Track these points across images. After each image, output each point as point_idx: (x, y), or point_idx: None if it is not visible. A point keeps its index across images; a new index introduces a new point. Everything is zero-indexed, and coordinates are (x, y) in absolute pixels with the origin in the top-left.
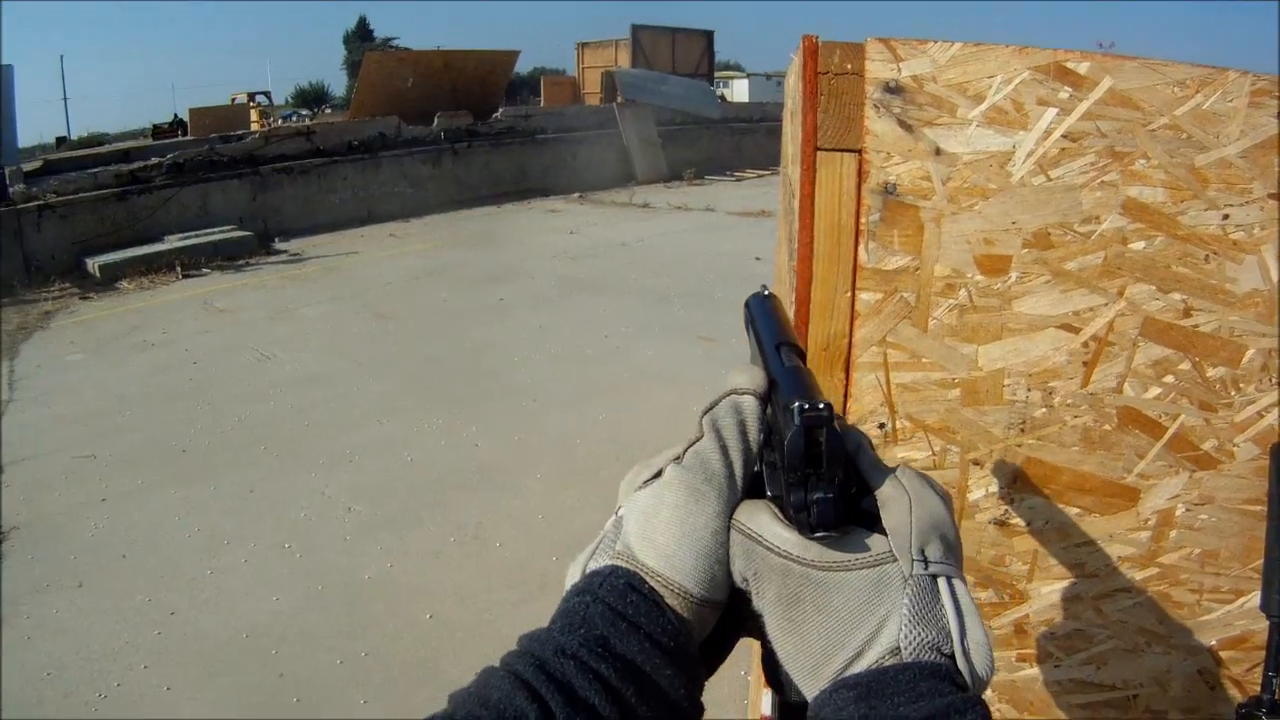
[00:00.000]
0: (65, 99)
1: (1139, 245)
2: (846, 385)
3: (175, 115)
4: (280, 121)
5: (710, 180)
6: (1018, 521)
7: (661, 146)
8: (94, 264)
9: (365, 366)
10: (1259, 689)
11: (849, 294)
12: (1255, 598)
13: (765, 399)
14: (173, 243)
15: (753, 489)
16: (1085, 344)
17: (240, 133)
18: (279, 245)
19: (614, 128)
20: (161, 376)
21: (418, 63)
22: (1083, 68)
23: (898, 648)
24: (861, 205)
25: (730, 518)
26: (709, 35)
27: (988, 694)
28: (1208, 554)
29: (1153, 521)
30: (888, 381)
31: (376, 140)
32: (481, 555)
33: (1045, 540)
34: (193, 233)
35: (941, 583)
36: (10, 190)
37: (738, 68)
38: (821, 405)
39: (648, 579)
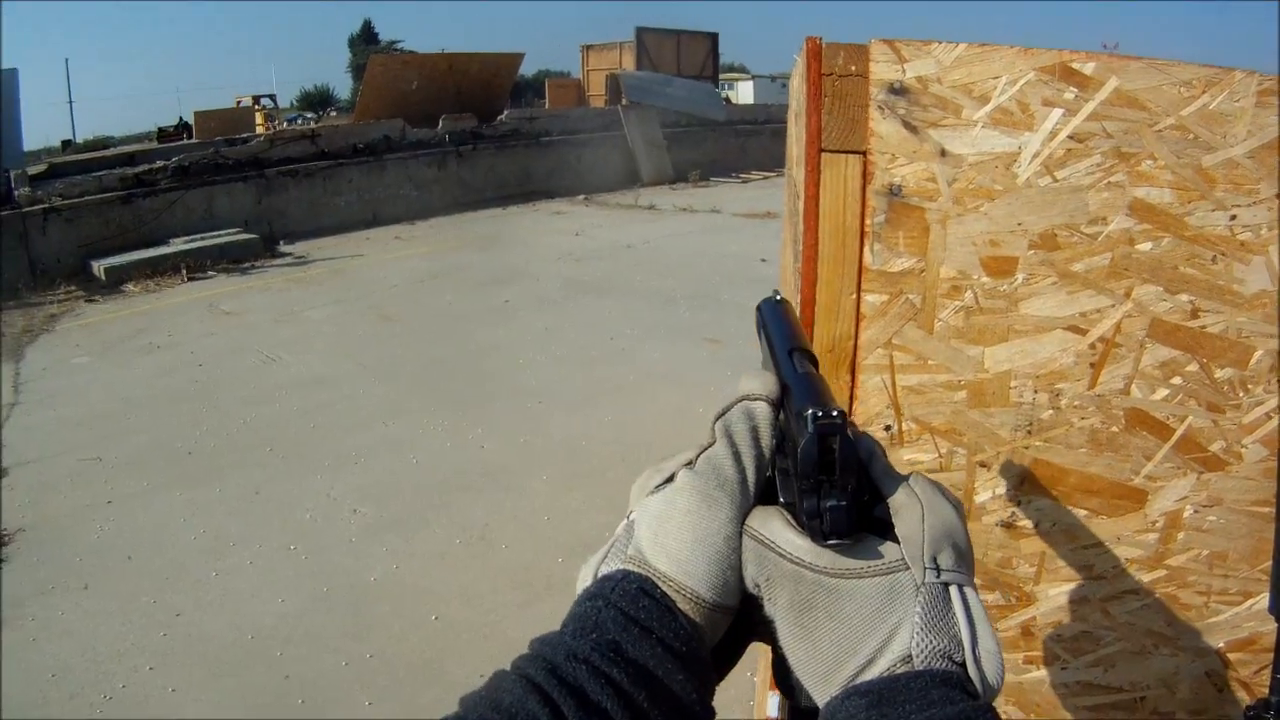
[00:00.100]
0: (70, 102)
1: (1146, 246)
2: (852, 388)
3: (180, 118)
4: (285, 124)
5: (715, 182)
6: (1025, 524)
7: (666, 148)
8: (99, 267)
9: (370, 369)
10: (1267, 691)
11: (854, 296)
12: (1263, 600)
13: (778, 405)
14: (178, 245)
15: (765, 495)
16: (1092, 345)
17: (245, 136)
18: (284, 248)
19: (619, 130)
20: (167, 379)
21: (422, 65)
22: (1088, 68)
23: (909, 655)
24: (866, 207)
25: (742, 523)
26: (713, 37)
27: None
28: (1216, 556)
29: (1160, 523)
30: (893, 384)
31: (381, 143)
32: (487, 557)
33: (1052, 542)
34: (198, 235)
35: (953, 591)
36: (15, 193)
37: (742, 70)
38: (835, 413)
39: (660, 584)
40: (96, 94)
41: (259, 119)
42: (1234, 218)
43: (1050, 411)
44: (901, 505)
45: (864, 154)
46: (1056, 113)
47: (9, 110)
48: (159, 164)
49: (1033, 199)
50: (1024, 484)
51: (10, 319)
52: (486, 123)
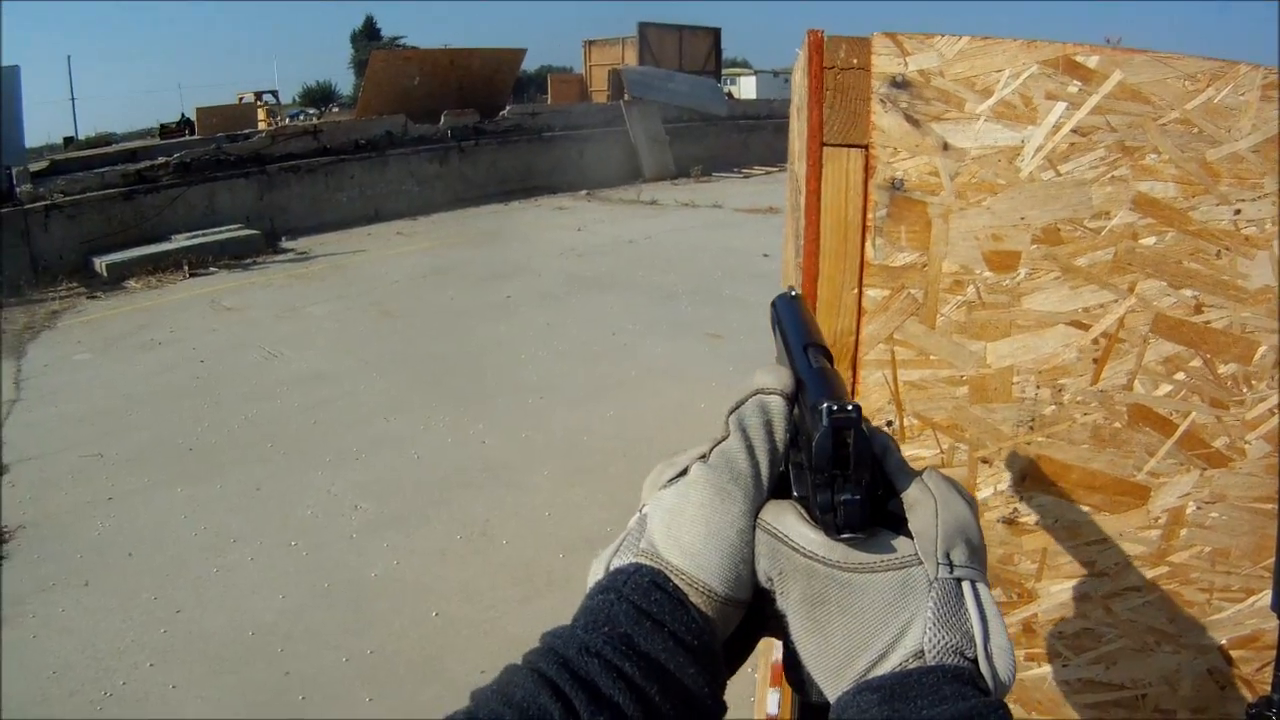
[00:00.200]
0: (73, 99)
1: (1150, 241)
2: (853, 383)
3: (182, 115)
4: (287, 120)
5: (718, 177)
6: (1027, 520)
7: (669, 144)
8: (101, 263)
9: (372, 364)
10: (1269, 689)
11: (855, 291)
12: (1266, 596)
13: (792, 399)
14: (180, 242)
15: (778, 489)
16: (1095, 341)
17: (247, 132)
18: (286, 244)
19: (621, 125)
20: (168, 375)
21: (424, 61)
22: (1092, 61)
23: (921, 651)
24: (868, 201)
25: (756, 517)
26: (716, 32)
27: None
28: (1218, 552)
29: (1163, 520)
30: (895, 379)
31: (383, 139)
32: (488, 553)
33: (1054, 538)
34: (200, 232)
35: (966, 586)
36: (18, 190)
37: (745, 65)
38: (850, 407)
39: (672, 577)
40: (99, 91)
41: (261, 115)
42: (1238, 212)
43: (1052, 407)
44: (915, 500)
45: (866, 148)
46: (1060, 106)
47: (11, 107)
48: (161, 160)
49: (1036, 193)
50: (1026, 480)
51: (12, 315)
52: (489, 118)
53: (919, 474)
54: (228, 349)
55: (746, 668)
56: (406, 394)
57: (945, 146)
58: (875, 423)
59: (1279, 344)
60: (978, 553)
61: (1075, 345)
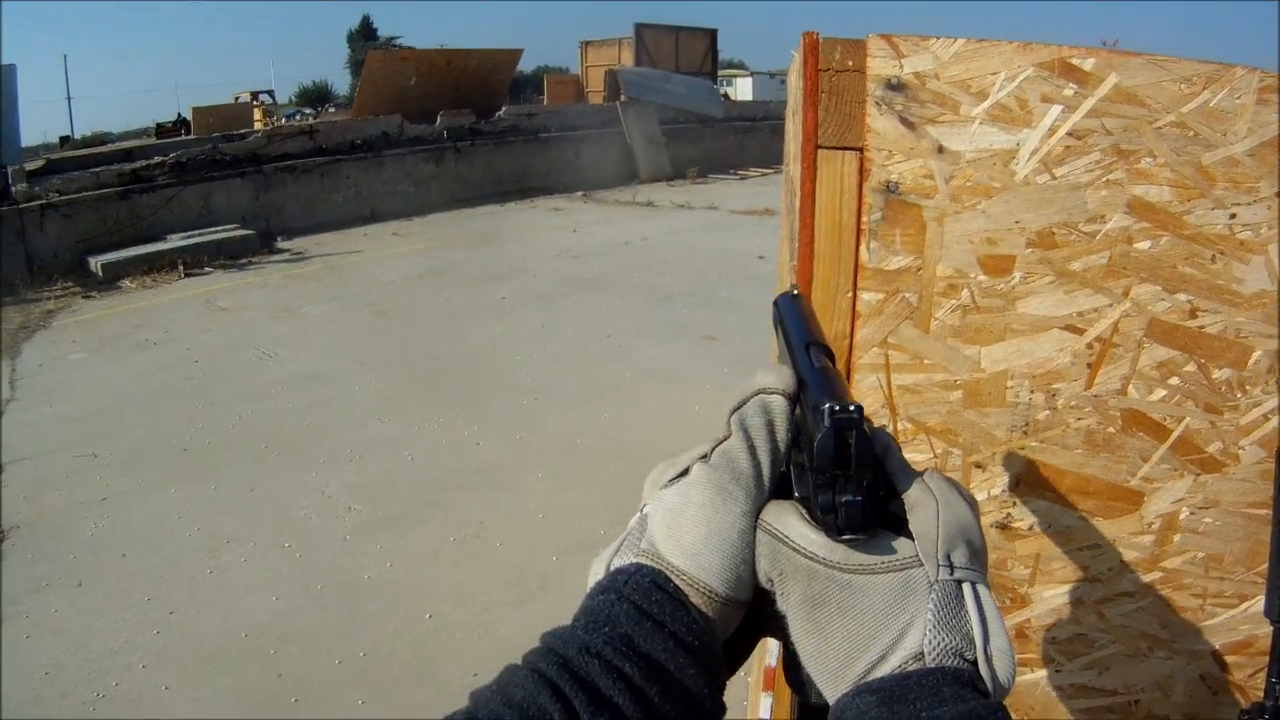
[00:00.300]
0: (69, 98)
1: (1145, 245)
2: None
3: (179, 114)
4: (283, 120)
5: (714, 179)
6: (1020, 525)
7: (665, 145)
8: (97, 263)
9: (367, 365)
10: (1262, 695)
11: (850, 294)
12: (1259, 602)
13: (794, 399)
14: (175, 242)
15: (779, 490)
16: (1089, 345)
17: (243, 131)
18: (281, 244)
19: (617, 126)
20: (163, 375)
21: (421, 61)
22: (1088, 64)
23: (921, 652)
24: (863, 204)
25: (757, 518)
26: (712, 34)
27: None
28: (1212, 558)
29: (1156, 525)
30: (889, 383)
31: (379, 139)
32: (482, 555)
33: (1047, 544)
34: (195, 232)
35: (966, 588)
36: (13, 189)
37: (741, 66)
38: (852, 407)
39: (673, 577)
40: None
41: (257, 115)
42: (1234, 216)
43: (1046, 412)
44: (916, 501)
45: (861, 150)
46: (1055, 109)
47: (7, 106)
48: (157, 160)
49: (1031, 197)
50: (1019, 485)
51: (7, 315)
52: (485, 119)
53: (920, 475)
54: (223, 349)
55: (740, 672)
56: (401, 395)
57: (940, 149)
58: None
59: (1274, 349)
60: (978, 554)
61: (1069, 350)
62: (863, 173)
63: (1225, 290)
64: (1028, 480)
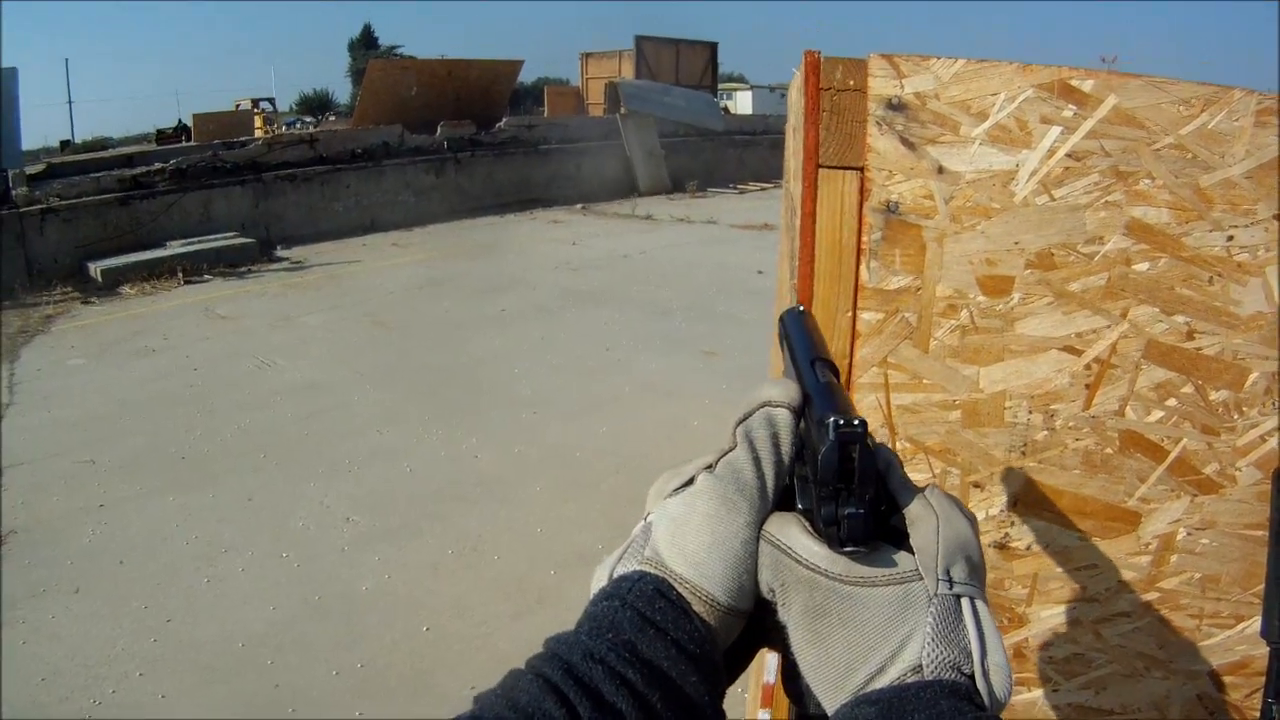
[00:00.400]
0: (70, 102)
1: (1143, 267)
2: None
3: (179, 120)
4: (284, 128)
5: (713, 193)
6: (1018, 544)
7: (664, 158)
8: (96, 268)
9: (366, 375)
10: (1258, 715)
11: (850, 314)
12: (1256, 623)
13: (799, 413)
14: (175, 248)
15: (782, 502)
16: (1088, 366)
17: (244, 139)
18: (281, 252)
19: (617, 138)
20: (162, 382)
21: (422, 71)
22: (1087, 86)
23: (920, 665)
24: (863, 224)
25: (760, 529)
26: (713, 47)
27: None
28: (1208, 579)
29: (1154, 546)
30: (888, 403)
31: (380, 148)
32: (480, 568)
33: (1045, 564)
34: (195, 239)
35: (965, 603)
36: (13, 193)
37: (741, 80)
38: (856, 422)
39: (676, 585)
40: (95, 94)
41: (258, 123)
42: (1231, 238)
43: (1045, 432)
44: (917, 516)
45: (861, 170)
46: (1055, 130)
47: (8, 110)
48: (157, 166)
49: (1030, 218)
50: (1017, 505)
51: (6, 319)
52: (485, 130)
53: (921, 490)
54: (221, 357)
55: (736, 687)
56: (400, 406)
57: (940, 170)
58: None
59: (1271, 370)
60: (977, 570)
61: (1068, 370)
62: (863, 192)
63: (1223, 312)
64: (1026, 500)
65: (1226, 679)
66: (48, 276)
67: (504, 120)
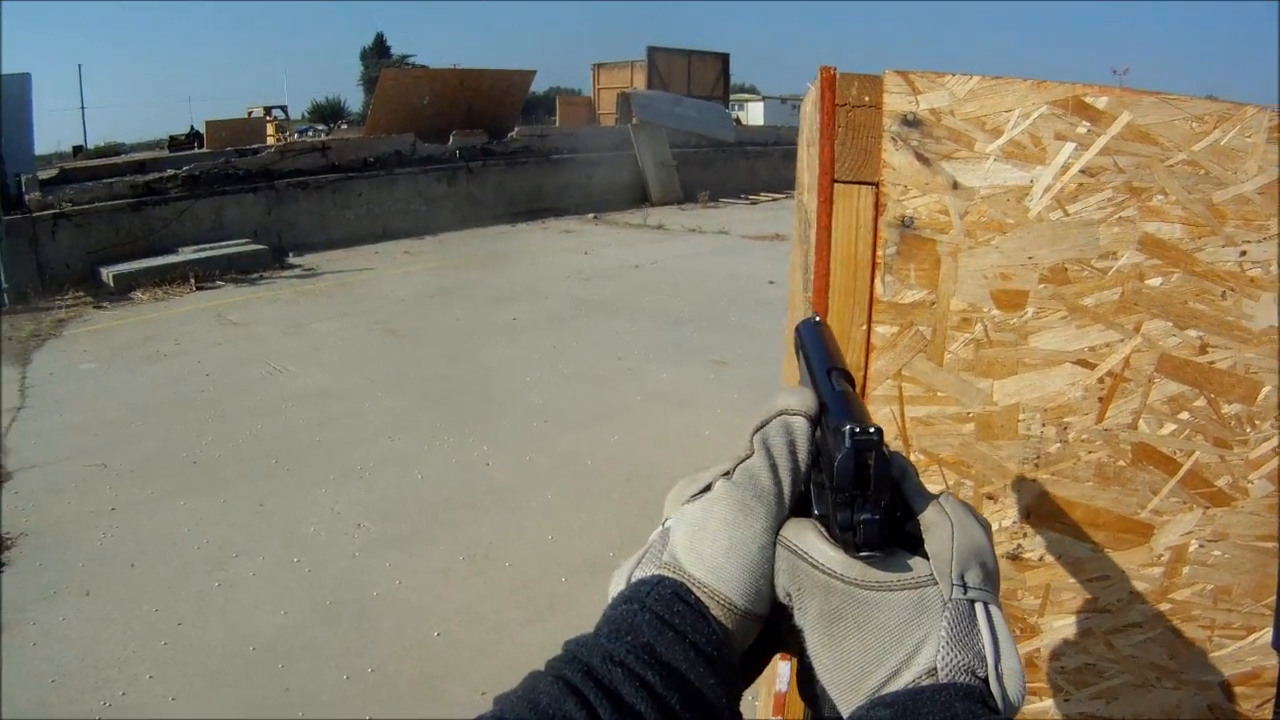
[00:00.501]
0: (83, 108)
1: (1156, 281)
2: None
3: (192, 127)
4: (296, 136)
5: (724, 203)
6: (1030, 555)
7: (676, 169)
8: (108, 273)
9: (377, 383)
10: None
11: (865, 327)
12: (1267, 634)
13: (815, 421)
14: (187, 254)
15: (799, 508)
16: (1101, 380)
17: (256, 146)
18: (293, 260)
19: (629, 149)
20: (174, 387)
21: (434, 80)
22: (1101, 102)
23: (934, 669)
24: (878, 238)
25: (777, 534)
26: (724, 58)
27: None
28: (1220, 590)
29: (1166, 557)
30: (902, 415)
31: (392, 157)
32: (491, 575)
33: (1058, 575)
34: (207, 245)
35: (979, 608)
36: (26, 198)
37: (753, 91)
38: (872, 429)
39: (694, 589)
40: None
41: (270, 130)
42: (1244, 254)
43: (1058, 445)
44: (932, 522)
45: (876, 185)
46: (1069, 147)
47: (21, 114)
48: (170, 172)
49: (1044, 233)
50: (1030, 516)
51: (18, 323)
52: (497, 139)
53: (935, 497)
54: (233, 363)
55: (748, 695)
56: (411, 413)
57: (955, 185)
58: None
59: None
60: (991, 576)
61: (1081, 384)
62: (878, 207)
63: (1235, 326)
64: (1039, 512)
65: (1237, 689)
66: (60, 281)
67: (516, 130)
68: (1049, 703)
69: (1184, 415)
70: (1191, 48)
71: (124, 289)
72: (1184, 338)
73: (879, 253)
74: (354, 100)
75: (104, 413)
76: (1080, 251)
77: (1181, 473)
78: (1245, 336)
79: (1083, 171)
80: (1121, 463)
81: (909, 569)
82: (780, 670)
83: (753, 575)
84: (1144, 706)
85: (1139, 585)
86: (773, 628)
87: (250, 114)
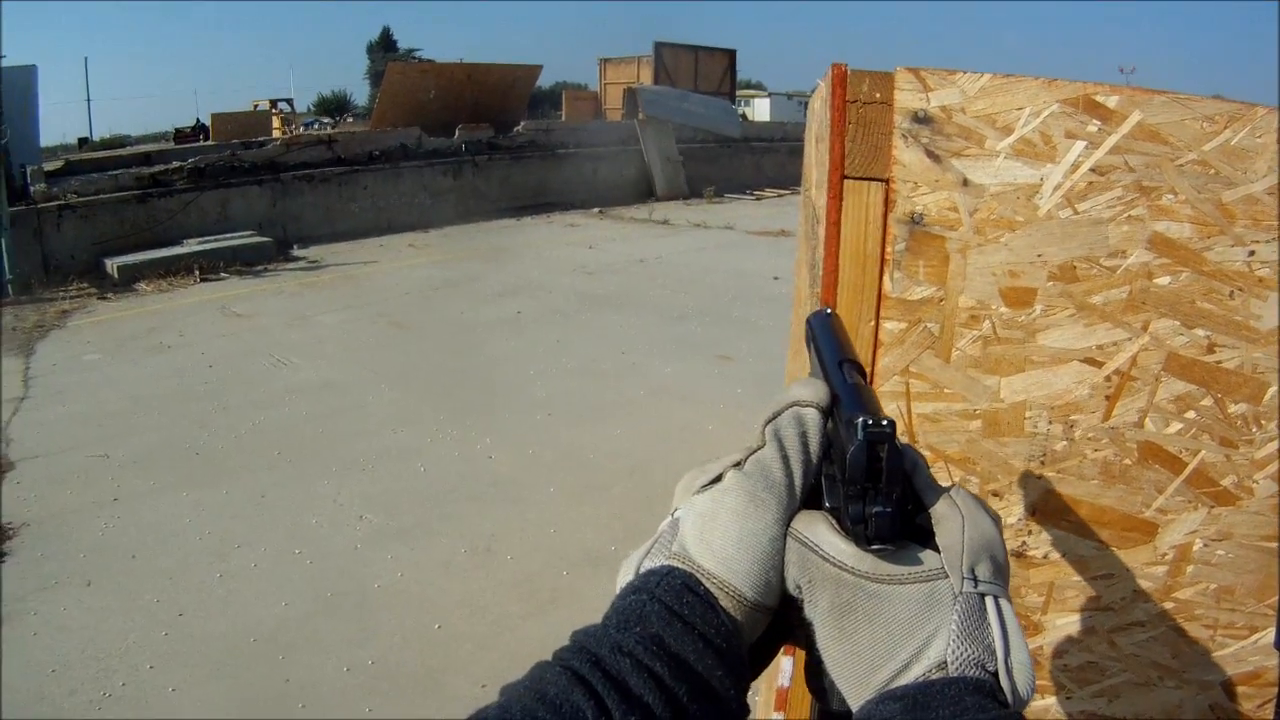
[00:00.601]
0: (88, 100)
1: (1164, 280)
2: None
3: (197, 119)
4: (302, 129)
5: (730, 198)
6: (1035, 553)
7: (682, 164)
8: (113, 265)
9: (381, 375)
10: None
11: (873, 323)
12: (1269, 634)
13: (827, 413)
14: (192, 246)
15: (810, 500)
16: (1108, 378)
17: (262, 139)
18: (298, 252)
19: (635, 144)
20: (177, 379)
21: (440, 74)
22: (1111, 101)
23: (944, 662)
24: (887, 235)
25: (788, 526)
26: (731, 54)
27: None
28: (1223, 589)
29: (1170, 556)
30: (909, 411)
31: (397, 151)
32: (492, 567)
33: (1062, 572)
34: (212, 237)
35: (989, 602)
36: (31, 189)
37: (760, 87)
38: (885, 422)
39: (703, 580)
40: (114, 93)
41: (276, 123)
42: (1253, 253)
43: (1064, 443)
44: (943, 516)
45: (886, 181)
46: (1079, 145)
47: (27, 106)
48: (175, 165)
49: (1053, 231)
50: (1036, 513)
51: (23, 314)
52: (503, 133)
53: (946, 490)
54: (237, 355)
55: (750, 694)
56: (415, 406)
57: (965, 182)
58: None
59: None
60: (1002, 570)
61: (1088, 382)
62: (888, 204)
63: (1243, 326)
64: (1044, 509)
65: (1239, 689)
66: (64, 272)
67: (522, 124)
68: (1051, 700)
69: (1190, 414)
70: (1192, 48)
71: (128, 280)
72: (1191, 337)
73: (888, 249)
74: (360, 94)
75: (107, 404)
76: (1089, 250)
77: (1187, 472)
78: (1253, 336)
79: (1093, 170)
80: (1127, 461)
81: (920, 562)
82: (782, 666)
83: (763, 567)
84: (1146, 705)
85: (1143, 584)
86: (781, 619)
87: (256, 107)
